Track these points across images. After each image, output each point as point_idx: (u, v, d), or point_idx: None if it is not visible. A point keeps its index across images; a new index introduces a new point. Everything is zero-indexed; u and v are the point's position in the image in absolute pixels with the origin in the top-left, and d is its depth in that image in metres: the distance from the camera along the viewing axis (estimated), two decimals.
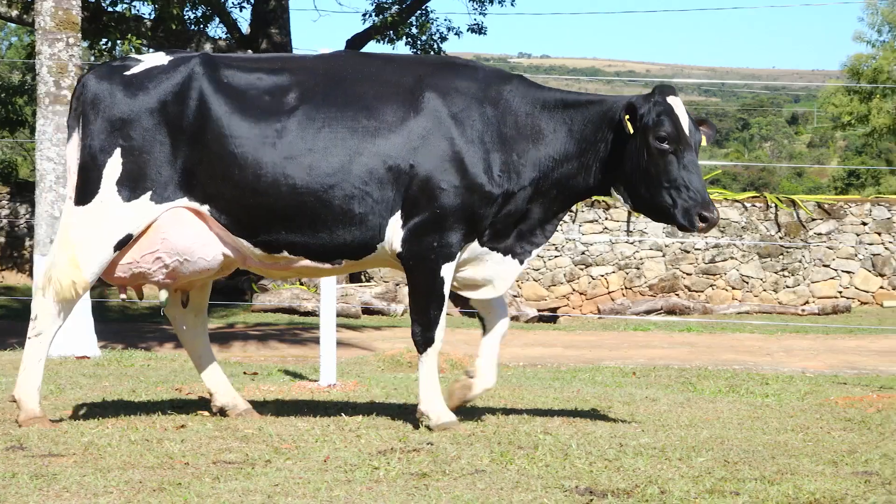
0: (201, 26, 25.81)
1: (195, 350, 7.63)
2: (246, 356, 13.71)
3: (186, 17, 24.63)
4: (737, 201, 24.56)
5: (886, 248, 24.29)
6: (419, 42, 26.70)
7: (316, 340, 11.26)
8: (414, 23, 26.50)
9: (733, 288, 24.32)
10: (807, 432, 7.29)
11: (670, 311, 22.80)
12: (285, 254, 7.09)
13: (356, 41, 25.53)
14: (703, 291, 24.31)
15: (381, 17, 25.53)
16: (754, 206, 24.50)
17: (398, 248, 6.98)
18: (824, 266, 24.35)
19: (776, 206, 24.48)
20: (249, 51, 23.16)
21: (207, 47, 23.12)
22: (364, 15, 26.03)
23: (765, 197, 24.91)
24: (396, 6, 25.52)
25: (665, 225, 24.09)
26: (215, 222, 7.02)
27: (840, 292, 24.29)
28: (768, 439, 6.96)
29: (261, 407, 7.77)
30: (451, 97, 7.04)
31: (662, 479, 5.64)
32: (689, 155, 6.96)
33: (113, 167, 6.95)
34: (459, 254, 7.08)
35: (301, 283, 22.48)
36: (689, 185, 6.92)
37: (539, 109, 7.15)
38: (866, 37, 54.62)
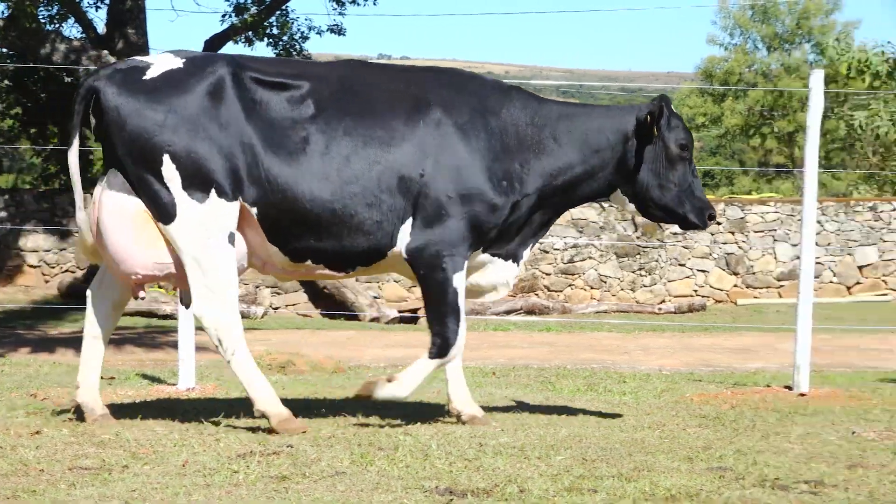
0: (56, 25, 25.33)
1: (94, 338, 7.45)
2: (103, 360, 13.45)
3: (41, 15, 24.14)
4: (595, 201, 24.83)
5: (740, 248, 24.80)
6: (280, 42, 26.53)
7: (175, 344, 11.13)
8: (274, 23, 26.33)
9: (592, 287, 24.62)
10: (663, 429, 7.41)
11: (530, 311, 22.97)
12: (309, 262, 7.23)
13: (215, 42, 25.26)
14: (562, 291, 24.55)
15: (240, 17, 25.30)
16: (612, 206, 24.81)
17: (411, 256, 7.16)
18: (680, 265, 24.78)
19: None
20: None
21: (62, 47, 22.66)
22: (223, 15, 25.77)
23: None
24: (255, 7, 25.31)
25: None
26: (258, 226, 7.08)
27: (695, 291, 24.74)
28: (626, 437, 7.05)
29: (118, 412, 7.65)
30: (457, 108, 7.23)
31: (522, 478, 5.68)
32: (693, 162, 7.57)
33: (170, 174, 6.89)
34: (467, 262, 7.28)
35: (160, 287, 22.16)
36: (698, 188, 7.56)
37: (540, 120, 7.42)
38: (719, 39, 55.73)
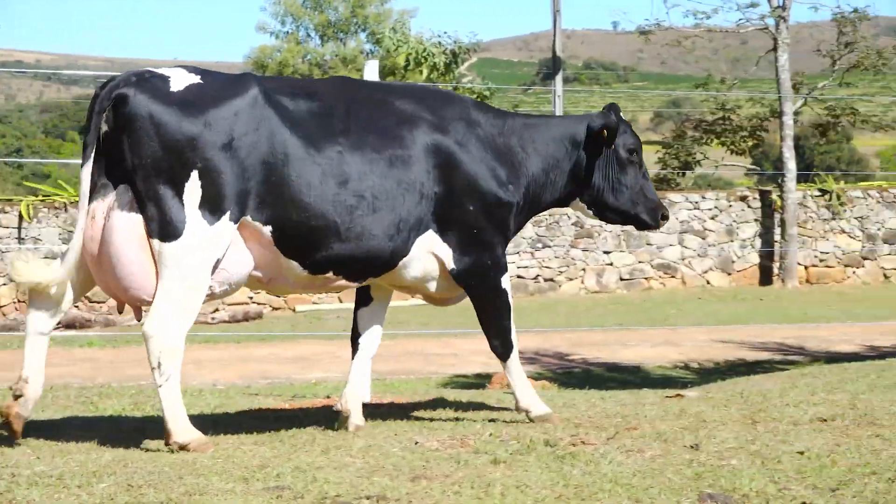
0: None
1: (35, 350, 7.60)
2: None
3: None
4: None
5: None
6: None
7: None
8: None
9: None
10: (217, 448, 7.38)
11: (70, 325, 22.41)
12: (330, 274, 7.71)
13: None
14: (105, 302, 24.12)
15: None
16: None
17: (455, 266, 7.93)
18: None
19: None
20: None
21: None
22: None
23: None
24: None
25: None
26: (271, 244, 7.44)
27: (251, 298, 24.86)
28: (176, 458, 6.98)
29: None
30: (454, 125, 7.96)
31: None
32: (644, 164, 8.55)
33: (192, 191, 7.12)
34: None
35: None
36: (649, 189, 8.51)
37: (507, 132, 8.24)
38: (270, 28, 56.14)
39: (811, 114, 36.86)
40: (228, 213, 7.20)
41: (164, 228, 7.11)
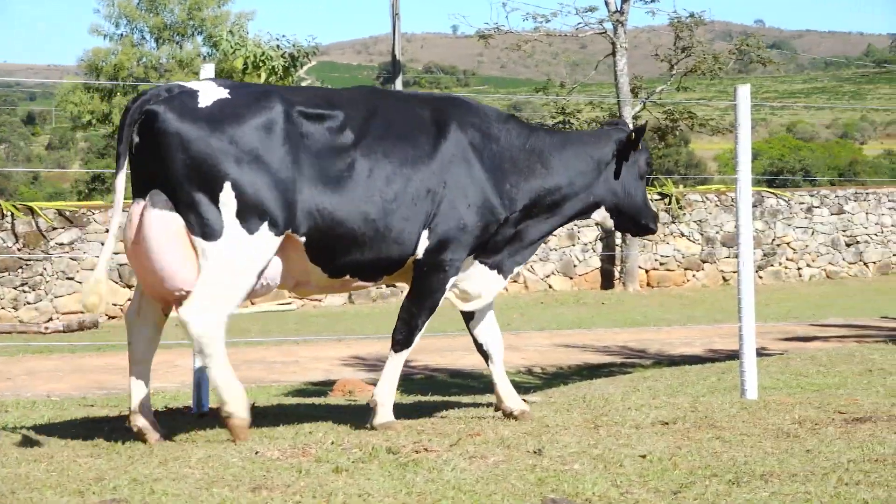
0: None
1: (140, 363, 8.28)
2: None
3: None
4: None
5: None
6: None
7: None
8: None
9: None
10: (51, 461, 7.24)
11: None
12: (347, 277, 8.16)
13: None
14: None
15: None
16: None
17: (420, 257, 8.20)
18: (68, 279, 24.47)
19: (13, 214, 24.26)
20: None
21: None
22: None
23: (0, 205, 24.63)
24: None
25: None
26: (303, 251, 7.88)
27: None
28: (8, 472, 6.83)
29: None
30: (469, 130, 8.37)
31: None
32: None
33: (228, 200, 7.54)
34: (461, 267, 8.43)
35: None
36: (648, 199, 9.12)
37: (531, 145, 8.60)
38: (104, 30, 55.31)
39: (650, 118, 37.39)
40: (267, 223, 7.61)
41: (203, 228, 7.54)
